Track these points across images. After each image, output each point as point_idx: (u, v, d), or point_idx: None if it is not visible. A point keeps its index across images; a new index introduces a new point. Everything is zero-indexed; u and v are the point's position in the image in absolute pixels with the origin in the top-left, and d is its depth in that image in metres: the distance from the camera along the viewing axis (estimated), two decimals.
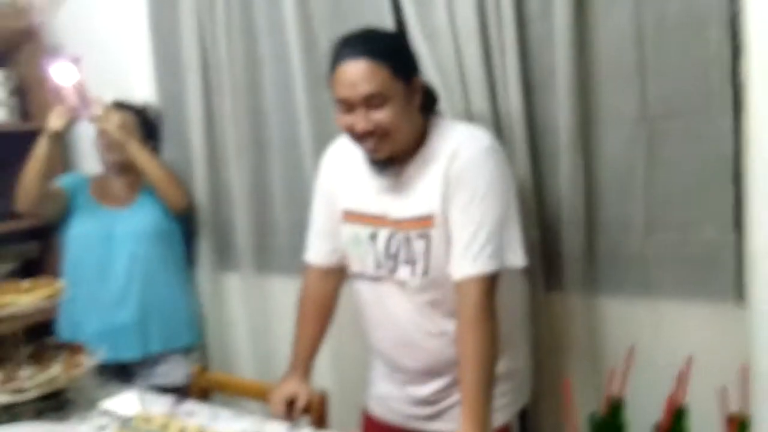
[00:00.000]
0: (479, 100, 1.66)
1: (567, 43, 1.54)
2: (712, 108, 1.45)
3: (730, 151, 1.44)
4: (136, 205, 2.15)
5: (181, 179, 2.17)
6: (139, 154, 2.06)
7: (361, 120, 1.34)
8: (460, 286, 1.36)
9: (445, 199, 1.37)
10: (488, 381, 1.32)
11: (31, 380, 1.50)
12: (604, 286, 1.62)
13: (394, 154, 1.40)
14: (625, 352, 1.20)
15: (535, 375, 1.63)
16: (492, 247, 1.35)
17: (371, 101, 1.33)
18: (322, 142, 1.74)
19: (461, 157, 1.36)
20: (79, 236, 2.11)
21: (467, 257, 1.35)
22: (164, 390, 1.77)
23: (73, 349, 1.65)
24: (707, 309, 1.50)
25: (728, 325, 1.45)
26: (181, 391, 1.86)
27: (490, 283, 1.35)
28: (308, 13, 1.93)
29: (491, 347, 1.33)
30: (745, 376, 1.11)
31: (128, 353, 2.08)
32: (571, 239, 1.61)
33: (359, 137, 1.37)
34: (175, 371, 2.13)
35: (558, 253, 1.64)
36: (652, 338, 1.51)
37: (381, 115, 1.33)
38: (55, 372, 1.53)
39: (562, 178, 1.61)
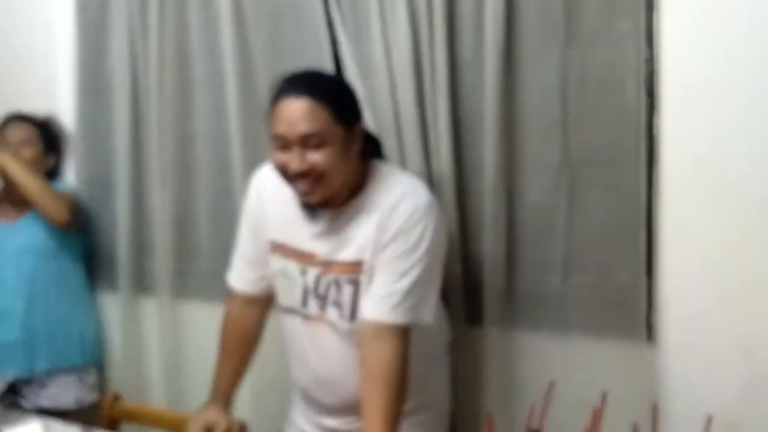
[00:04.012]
0: (411, 138, 1.69)
1: (495, 89, 1.61)
2: (627, 158, 1.54)
3: (643, 199, 1.52)
4: (25, 221, 2.09)
5: (64, 195, 2.10)
6: (11, 167, 1.99)
7: (295, 159, 1.31)
8: (371, 329, 1.35)
9: (377, 249, 1.37)
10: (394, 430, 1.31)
11: None
12: (523, 323, 1.66)
13: (327, 199, 1.37)
14: (541, 387, 1.24)
15: (454, 407, 1.64)
16: (411, 300, 1.35)
17: (308, 141, 1.30)
18: (253, 168, 1.72)
19: (400, 211, 1.36)
20: None
21: (386, 304, 1.34)
22: (52, 413, 1.72)
23: None
24: (620, 348, 1.57)
25: (639, 363, 1.52)
26: (71, 416, 1.80)
27: (402, 334, 1.35)
28: (246, 41, 1.93)
29: (397, 402, 1.32)
30: (656, 414, 1.16)
31: (13, 371, 2.00)
32: (493, 277, 1.66)
33: (291, 178, 1.34)
34: (65, 394, 2.07)
35: (479, 290, 1.68)
36: (567, 374, 1.55)
37: (317, 157, 1.31)
38: None
39: (486, 218, 1.65)
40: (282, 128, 1.31)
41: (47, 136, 2.17)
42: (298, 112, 1.30)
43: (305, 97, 1.31)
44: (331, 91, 1.36)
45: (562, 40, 1.58)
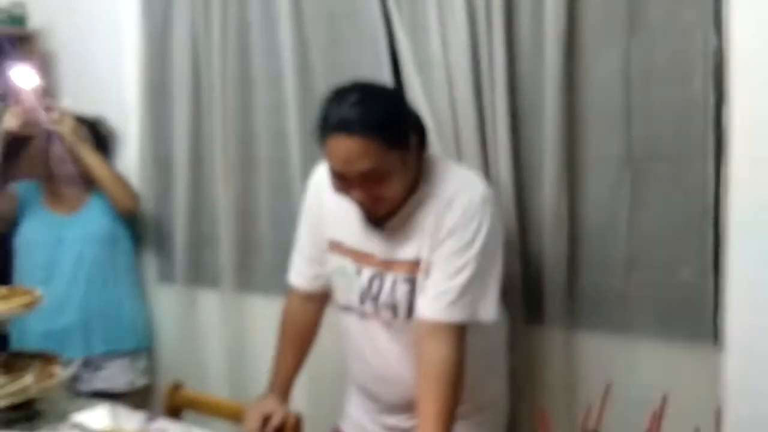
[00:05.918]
0: (468, 134, 1.68)
1: (556, 83, 1.58)
2: (695, 153, 1.49)
3: (711, 195, 1.47)
4: (85, 210, 2.21)
5: (131, 184, 2.24)
6: (89, 156, 2.12)
7: (356, 192, 1.32)
8: (427, 327, 1.34)
9: (434, 246, 1.36)
10: (449, 427, 1.30)
11: (2, 389, 1.47)
12: (584, 323, 1.63)
13: (391, 212, 1.39)
14: (601, 388, 1.21)
15: (512, 406, 1.62)
16: (468, 298, 1.34)
17: (368, 176, 1.29)
18: (311, 163, 1.74)
19: (455, 207, 1.35)
20: (29, 242, 2.20)
21: (442, 301, 1.33)
22: (106, 395, 1.82)
23: (46, 359, 1.62)
24: (684, 349, 1.52)
25: (703, 366, 1.47)
26: (123, 398, 1.89)
27: (459, 332, 1.34)
28: (304, 36, 1.95)
29: (452, 400, 1.31)
30: (719, 420, 1.12)
31: (71, 355, 2.08)
32: (554, 275, 1.63)
33: (354, 201, 1.36)
34: (119, 377, 2.18)
35: (539, 288, 1.66)
36: (628, 375, 1.52)
37: (379, 189, 1.32)
38: (26, 382, 1.51)
39: (546, 215, 1.63)
40: (339, 166, 1.31)
41: (96, 136, 2.26)
42: (352, 152, 1.28)
43: (356, 136, 1.27)
44: (381, 120, 1.29)
45: (626, 31, 1.53)
